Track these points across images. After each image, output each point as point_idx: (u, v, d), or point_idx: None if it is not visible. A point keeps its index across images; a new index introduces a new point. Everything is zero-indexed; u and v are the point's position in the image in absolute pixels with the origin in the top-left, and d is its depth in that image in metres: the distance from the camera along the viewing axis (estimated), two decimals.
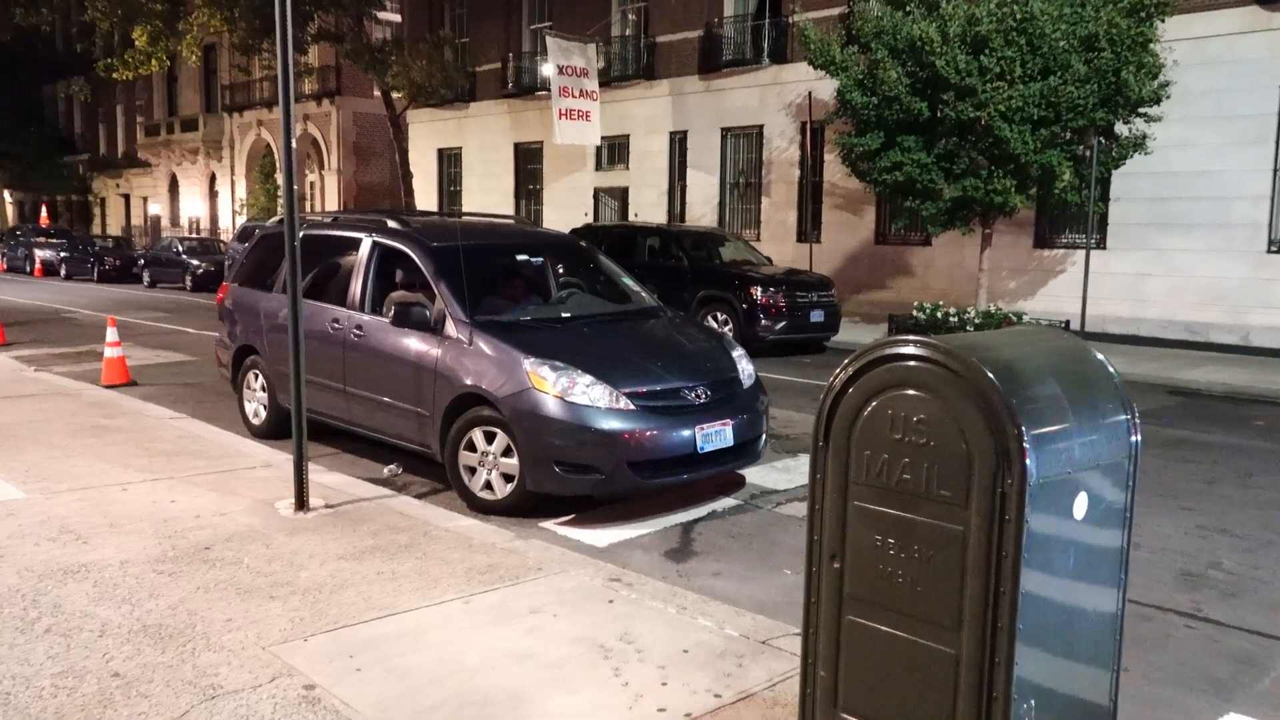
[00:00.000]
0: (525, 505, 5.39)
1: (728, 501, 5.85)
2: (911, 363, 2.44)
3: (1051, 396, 2.43)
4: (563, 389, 5.23)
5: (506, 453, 5.38)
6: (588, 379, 5.30)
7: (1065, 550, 2.43)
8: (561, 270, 7.78)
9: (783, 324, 12.53)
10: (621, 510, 5.61)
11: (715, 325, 12.55)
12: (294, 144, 4.94)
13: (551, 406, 5.21)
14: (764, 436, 5.97)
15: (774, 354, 12.43)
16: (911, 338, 2.47)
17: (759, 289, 12.56)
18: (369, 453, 6.74)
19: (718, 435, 5.51)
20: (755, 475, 6.37)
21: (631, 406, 5.30)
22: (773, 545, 5.10)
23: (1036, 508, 2.30)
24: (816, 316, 12.85)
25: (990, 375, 2.31)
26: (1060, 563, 2.43)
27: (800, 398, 9.10)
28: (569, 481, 5.22)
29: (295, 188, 5.00)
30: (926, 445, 2.41)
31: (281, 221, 5.74)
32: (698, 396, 5.57)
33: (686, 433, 5.38)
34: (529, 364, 5.35)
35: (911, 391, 2.43)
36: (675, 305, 8.73)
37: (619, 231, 15.20)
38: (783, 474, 6.47)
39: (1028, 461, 2.25)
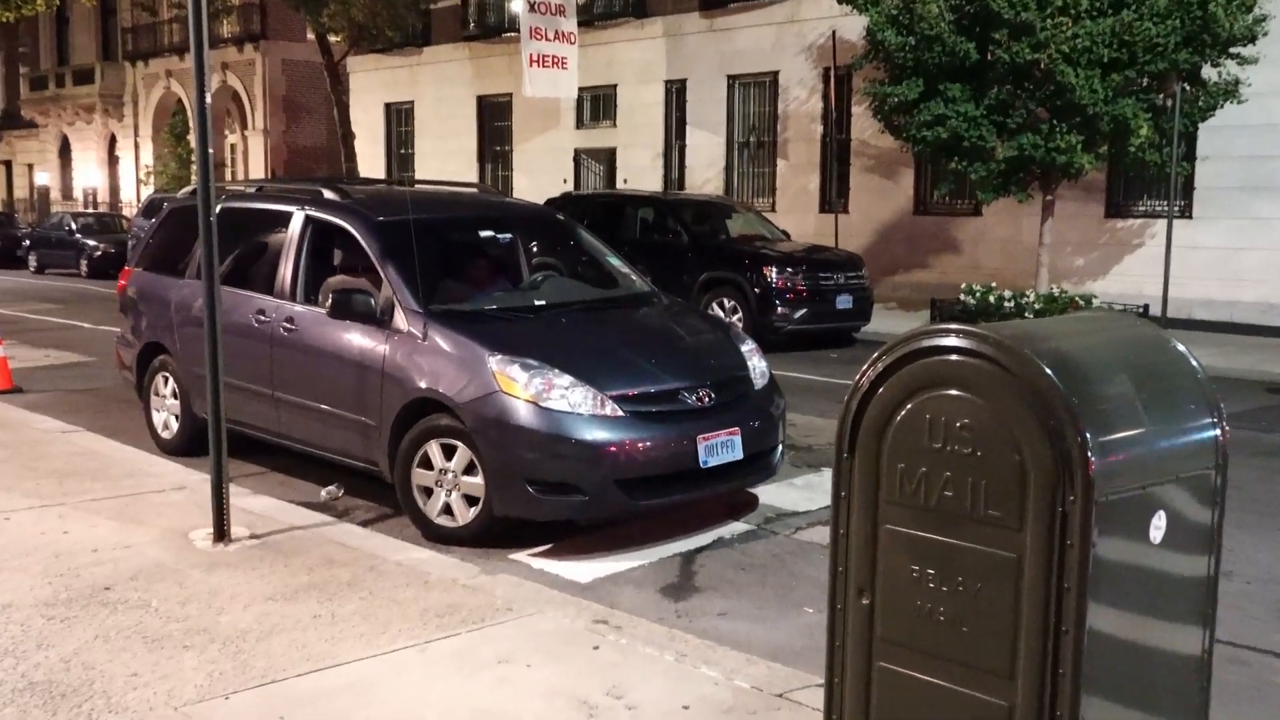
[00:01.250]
0: (492, 533, 5.42)
1: (737, 526, 5.88)
2: (954, 356, 2.44)
3: (1122, 396, 2.44)
4: (536, 392, 5.26)
5: (469, 470, 5.40)
6: (567, 380, 5.32)
7: (1140, 580, 2.44)
8: (535, 249, 7.78)
9: (803, 311, 12.60)
10: (609, 538, 5.63)
11: (721, 314, 12.57)
12: (209, 99, 4.93)
13: (523, 413, 5.23)
14: (780, 447, 6.01)
15: (793, 348, 12.45)
16: (955, 326, 2.47)
17: (774, 270, 12.62)
18: (303, 471, 6.74)
19: (724, 446, 5.54)
20: (770, 494, 6.39)
21: (620, 413, 5.32)
22: (791, 578, 5.13)
23: (1104, 530, 2.29)
24: (843, 302, 12.92)
25: (1048, 371, 2.32)
26: (1134, 596, 2.43)
27: (824, 400, 9.16)
28: (545, 504, 5.26)
29: (212, 151, 5.00)
30: (972, 456, 2.41)
31: (195, 193, 5.74)
32: (700, 400, 5.60)
33: (687, 443, 5.41)
34: (495, 362, 5.37)
35: (954, 391, 2.44)
36: (673, 290, 8.74)
37: (605, 201, 15.25)
38: (803, 492, 6.50)
39: (1093, 474, 2.26)
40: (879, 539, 2.59)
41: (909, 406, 2.51)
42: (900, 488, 2.53)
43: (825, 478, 6.73)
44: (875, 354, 2.59)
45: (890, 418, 2.54)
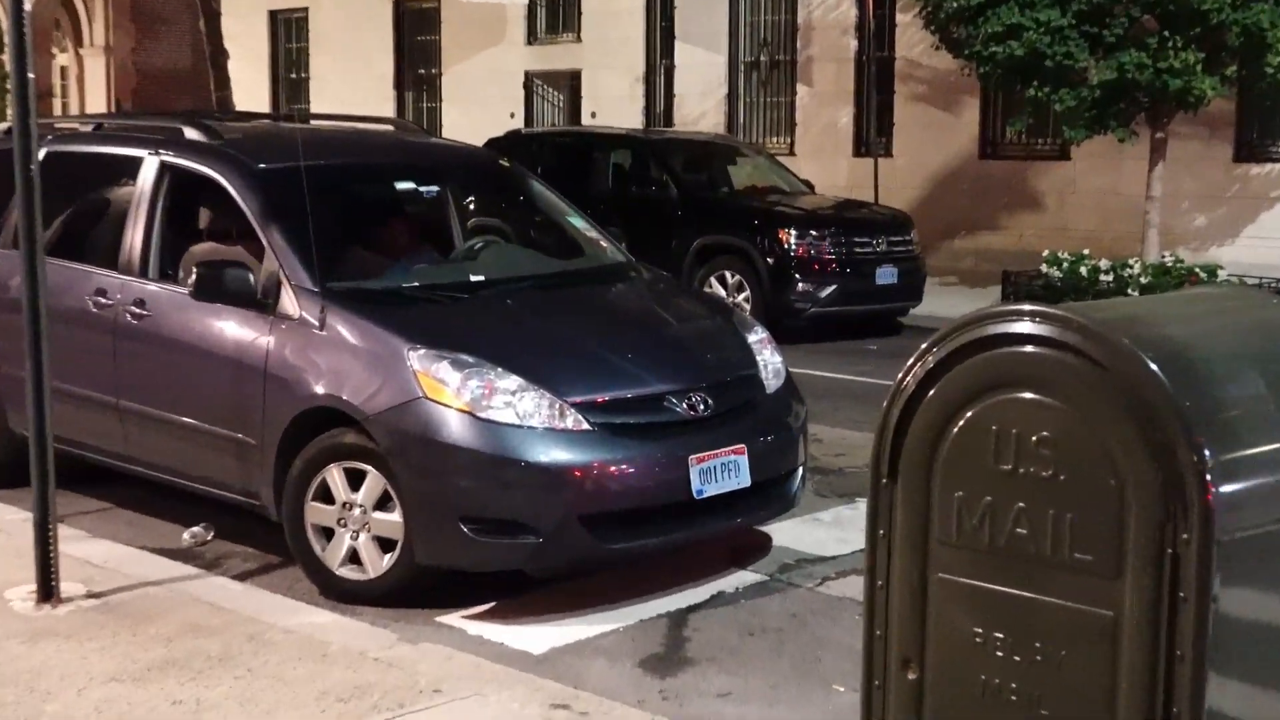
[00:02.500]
0: (415, 588, 5.43)
1: (743, 577, 5.90)
2: (1030, 347, 2.44)
3: (1254, 400, 2.45)
4: (473, 399, 5.28)
5: (383, 504, 5.41)
6: (514, 382, 5.35)
7: (1277, 646, 2.45)
8: (471, 206, 7.81)
9: (831, 289, 12.64)
10: (571, 594, 5.64)
11: (722, 292, 12.62)
12: (29, 3, 4.89)
13: (455, 427, 5.24)
14: (800, 471, 6.07)
15: (818, 337, 12.47)
16: (1031, 307, 2.47)
17: (792, 233, 12.66)
18: (160, 507, 6.72)
19: (726, 470, 5.57)
20: (788, 533, 6.42)
21: (586, 425, 5.36)
22: (815, 646, 5.14)
23: (1229, 578, 2.28)
24: (886, 276, 12.96)
25: (1155, 367, 2.32)
26: (1269, 667, 2.45)
27: (860, 407, 9.19)
28: (485, 549, 5.30)
29: (33, 77, 4.95)
30: (1053, 481, 2.41)
31: (9, 132, 5.69)
32: (693, 408, 5.63)
33: (675, 466, 5.45)
34: (418, 359, 5.38)
35: (1029, 395, 2.44)
36: (658, 261, 8.72)
37: (566, 142, 15.30)
38: (831, 531, 6.54)
39: (1213, 504, 2.25)
40: (930, 592, 2.60)
41: (969, 415, 2.52)
42: (958, 524, 2.54)
43: (860, 511, 6.72)
44: (925, 344, 2.60)
45: (944, 430, 2.55)
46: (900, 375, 2.63)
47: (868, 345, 12.48)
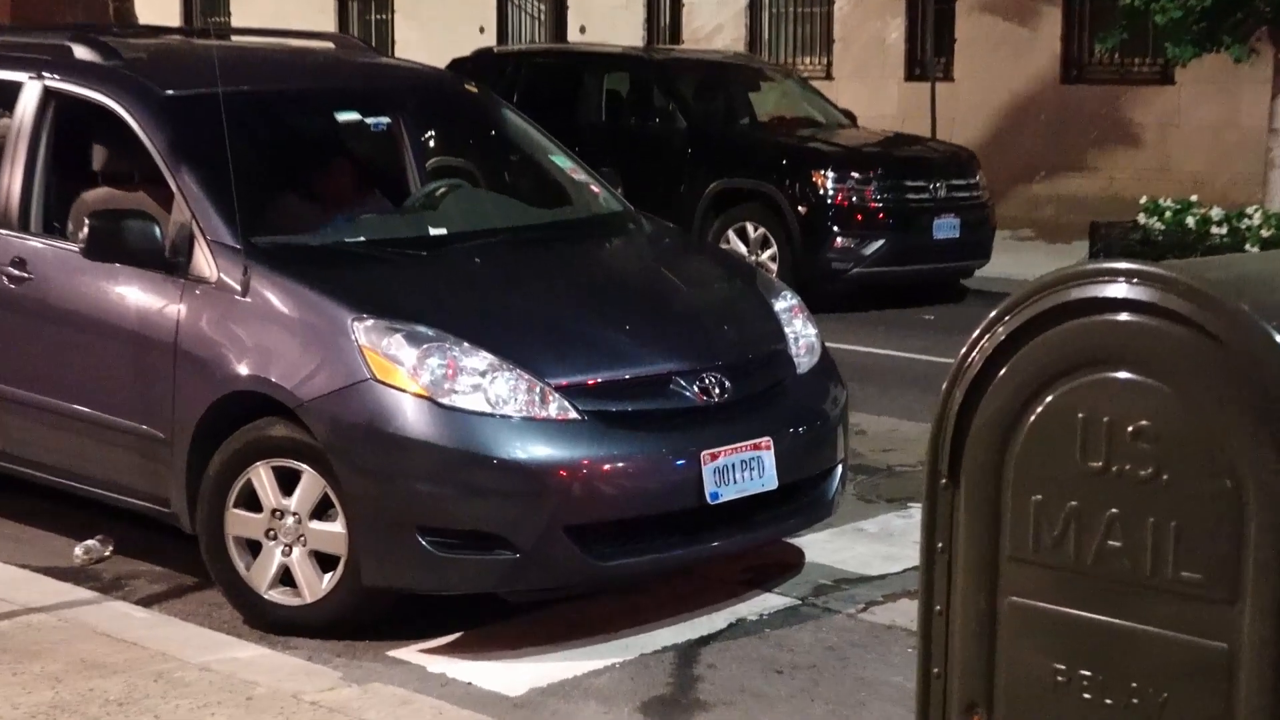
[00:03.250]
0: (362, 616, 5.45)
1: (769, 601, 5.91)
2: (1124, 315, 2.44)
3: None
4: (434, 381, 5.29)
5: (322, 511, 5.41)
6: (483, 359, 5.37)
7: None
8: (432, 143, 7.76)
9: (878, 245, 12.67)
10: (557, 622, 5.65)
11: (743, 249, 12.62)
12: None
13: (411, 417, 5.24)
14: (839, 470, 6.08)
15: (862, 305, 12.48)
16: (1125, 265, 2.46)
17: (830, 175, 12.67)
18: (47, 517, 6.70)
19: (747, 469, 5.57)
20: (823, 548, 6.43)
21: (572, 413, 5.37)
22: (857, 688, 5.14)
23: None
24: (945, 228, 12.98)
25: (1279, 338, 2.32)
26: None
27: (914, 392, 9.17)
28: (449, 568, 5.32)
29: None
30: (1155, 481, 2.39)
31: None
32: (706, 392, 5.64)
33: (684, 465, 5.47)
34: (364, 331, 5.38)
35: (1125, 374, 2.42)
36: (664, 210, 8.71)
37: (549, 64, 15.30)
38: (878, 545, 6.54)
39: None
40: (1000, 621, 2.59)
41: (1049, 400, 2.50)
42: (1035, 536, 2.53)
43: (913, 520, 6.73)
44: (995, 313, 2.58)
45: (1018, 420, 2.54)
46: (963, 351, 2.61)
47: (923, 315, 12.48)
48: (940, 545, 2.66)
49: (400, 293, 5.75)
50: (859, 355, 9.87)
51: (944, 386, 2.63)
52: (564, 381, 5.40)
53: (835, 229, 12.56)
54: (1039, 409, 2.52)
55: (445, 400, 5.25)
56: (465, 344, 5.37)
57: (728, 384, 5.68)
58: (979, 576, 2.61)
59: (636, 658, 5.35)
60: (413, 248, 6.22)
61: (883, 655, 5.39)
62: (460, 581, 5.34)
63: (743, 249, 12.60)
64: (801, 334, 6.20)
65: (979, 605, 2.61)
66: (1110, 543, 2.45)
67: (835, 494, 6.05)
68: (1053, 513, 2.51)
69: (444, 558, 5.24)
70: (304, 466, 5.40)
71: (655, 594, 5.86)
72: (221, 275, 5.68)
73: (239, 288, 5.63)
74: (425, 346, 5.33)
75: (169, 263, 5.81)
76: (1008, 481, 2.56)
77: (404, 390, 5.26)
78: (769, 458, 5.62)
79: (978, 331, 2.60)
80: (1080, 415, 2.47)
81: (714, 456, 5.48)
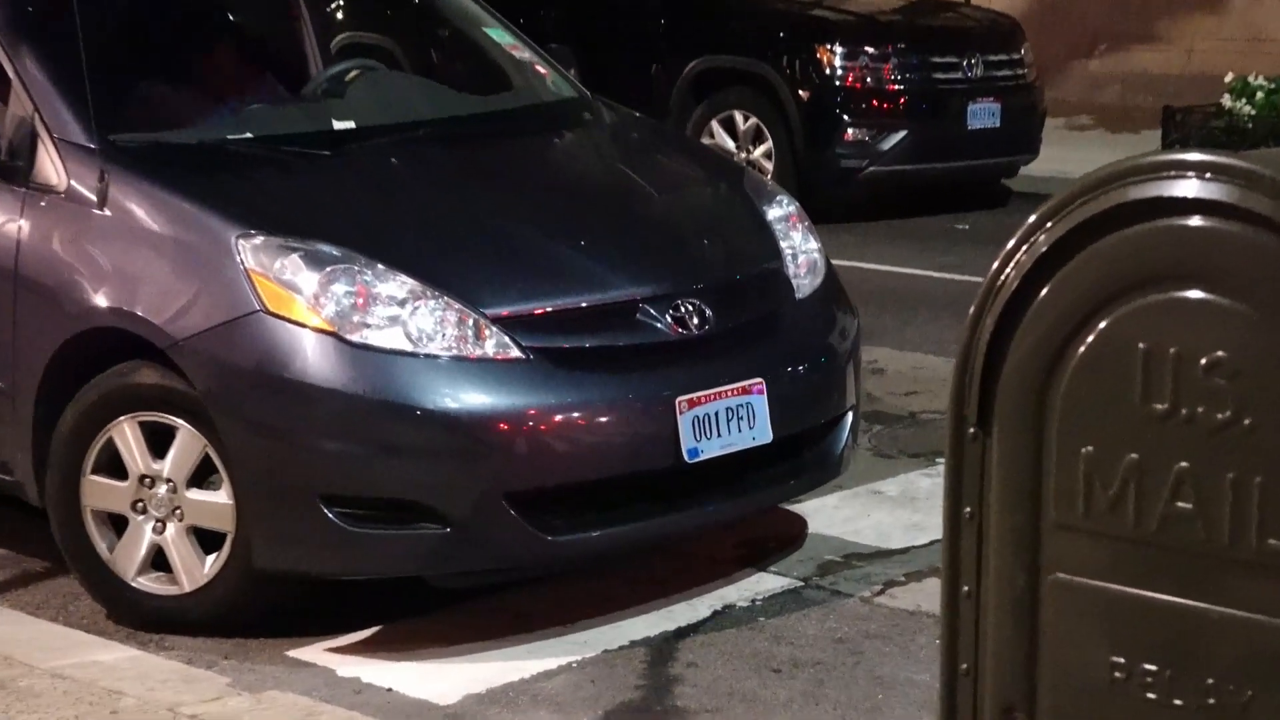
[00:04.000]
0: (255, 607, 5.47)
1: (764, 583, 5.94)
2: (1196, 219, 2.42)
3: None
4: (340, 312, 5.30)
5: (202, 478, 5.41)
6: (403, 284, 5.39)
7: None
8: (339, 14, 7.69)
9: (899, 138, 12.74)
10: (499, 613, 5.68)
11: (730, 145, 12.67)
12: None
13: (312, 358, 5.24)
14: (850, 418, 6.08)
15: (878, 212, 12.55)
16: (1199, 156, 2.45)
17: (838, 50, 12.71)
18: None
19: (734, 419, 5.58)
20: (831, 516, 6.48)
21: (515, 351, 5.38)
22: (873, 687, 5.16)
23: None
24: (983, 116, 13.06)
25: None
26: None
27: (944, 318, 9.21)
28: (363, 547, 5.36)
29: None
30: (1233, 427, 2.39)
31: None
32: (681, 323, 5.64)
33: (654, 413, 5.48)
34: (253, 251, 5.37)
35: (1197, 294, 2.41)
36: (631, 97, 8.67)
37: None
38: (899, 511, 6.59)
39: None
40: (1043, 603, 2.59)
41: (1103, 327, 2.49)
42: (1086, 498, 2.53)
43: (938, 479, 6.76)
44: (1035, 217, 2.57)
45: (1064, 352, 2.53)
46: (995, 267, 2.59)
47: (956, 224, 12.54)
48: (968, 511, 2.65)
49: (298, 202, 5.76)
50: (875, 275, 9.89)
51: (971, 312, 2.61)
52: (504, 311, 5.39)
53: (845, 118, 12.58)
54: (1090, 339, 2.51)
55: (354, 336, 5.23)
56: (379, 265, 5.35)
57: (709, 313, 5.66)
58: (1016, 549, 2.61)
59: (599, 655, 5.36)
60: (314, 146, 6.19)
61: (904, 648, 5.39)
62: (377, 563, 5.36)
63: (730, 145, 12.64)
64: (801, 249, 6.19)
65: (1016, 585, 2.61)
66: (1179, 504, 2.45)
67: (845, 449, 6.06)
68: (1107, 469, 2.50)
69: (356, 533, 5.24)
70: (179, 422, 5.38)
71: (622, 576, 5.88)
72: (72, 183, 5.65)
73: (95, 198, 5.61)
74: (329, 269, 5.31)
75: (5, 167, 5.78)
76: (1051, 430, 2.55)
77: (303, 324, 5.24)
78: (761, 404, 5.62)
79: (1013, 242, 2.58)
80: (1141, 346, 2.46)
81: (692, 404, 5.47)
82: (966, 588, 2.66)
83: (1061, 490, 2.56)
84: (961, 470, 2.65)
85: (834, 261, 6.38)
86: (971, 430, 2.63)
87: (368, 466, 5.27)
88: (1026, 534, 2.60)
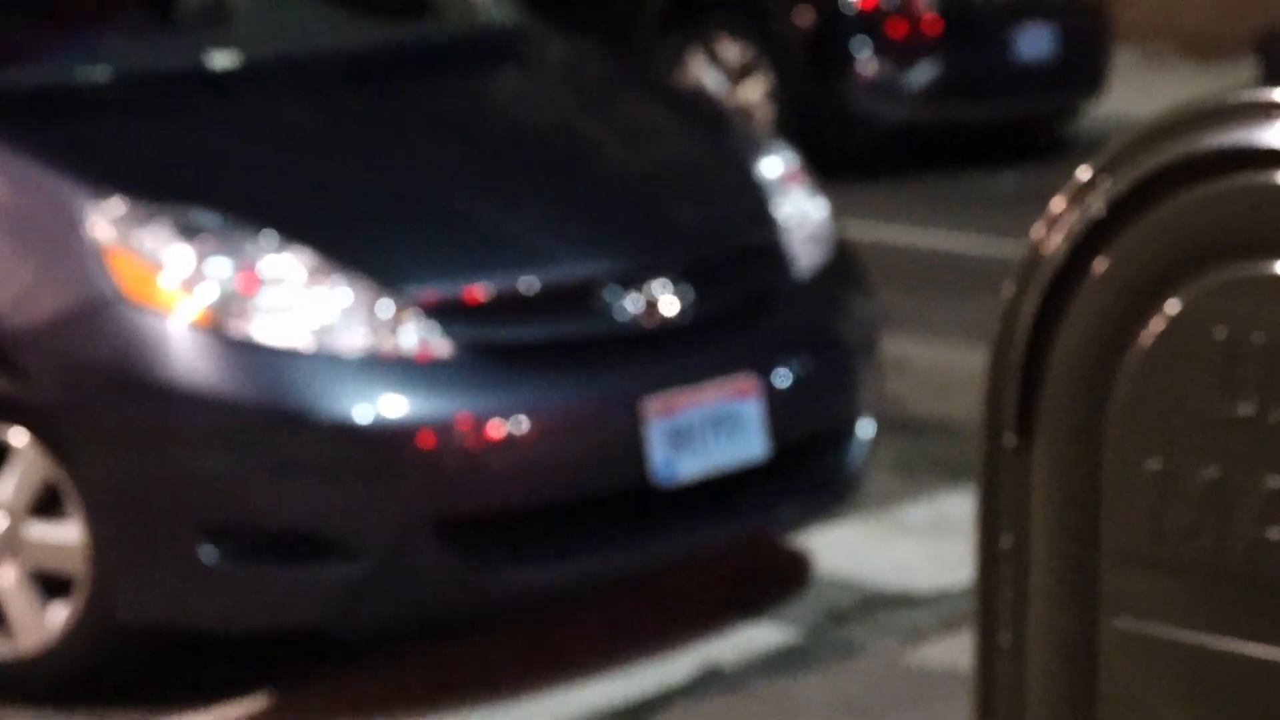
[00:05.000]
0: (113, 669, 5.46)
1: (759, 636, 5.94)
2: None
3: None
4: (221, 298, 5.31)
5: (48, 507, 5.39)
6: (299, 261, 5.37)
7: None
8: None
9: (929, 72, 12.87)
10: (423, 674, 5.67)
11: (714, 82, 12.71)
12: None
13: (185, 357, 5.24)
14: (865, 426, 6.08)
15: (905, 167, 12.68)
16: None
17: None
18: None
19: (718, 427, 5.59)
20: (842, 549, 6.48)
21: (441, 346, 5.38)
22: None
23: None
24: (1034, 44, 13.18)
25: None
26: None
27: (985, 299, 9.02)
28: (249, 590, 5.36)
29: None
30: None
31: None
32: (649, 308, 5.63)
33: (616, 421, 5.49)
34: (107, 219, 5.36)
35: None
36: (593, 24, 8.69)
37: None
38: (928, 542, 6.60)
39: None
40: (1102, 656, 2.59)
41: (1173, 310, 2.48)
42: (1153, 523, 2.53)
43: (970, 502, 6.78)
44: (1087, 171, 2.54)
45: (1125, 342, 2.52)
46: (1038, 233, 2.57)
47: (1001, 180, 12.63)
48: (1007, 540, 2.65)
49: (165, 157, 5.76)
50: (898, 247, 9.91)
51: (1008, 291, 2.61)
52: (428, 295, 5.40)
53: (860, 48, 12.65)
54: (1157, 325, 2.51)
55: (238, 329, 5.23)
56: (269, 237, 5.35)
57: (686, 294, 5.67)
58: (1068, 588, 2.60)
59: None
60: (186, 86, 6.18)
61: (937, 716, 5.43)
62: (268, 612, 5.36)
63: (714, 81, 12.68)
64: (803, 214, 6.20)
65: (1068, 633, 2.60)
66: (1270, 531, 2.47)
67: (859, 465, 6.07)
68: (1181, 487, 2.49)
69: (242, 575, 5.26)
70: (17, 437, 5.37)
71: (578, 627, 5.89)
72: None
73: None
74: (204, 242, 5.30)
75: None
76: (1109, 439, 2.54)
77: (172, 314, 5.24)
78: (753, 409, 5.63)
79: (1060, 202, 2.56)
80: (1221, 333, 2.47)
81: (665, 409, 5.49)
82: (1004, 638, 2.65)
83: (1123, 514, 2.53)
84: (997, 490, 2.64)
85: (845, 230, 6.39)
86: (1010, 440, 2.64)
87: (256, 491, 5.26)
88: (1080, 569, 2.58)
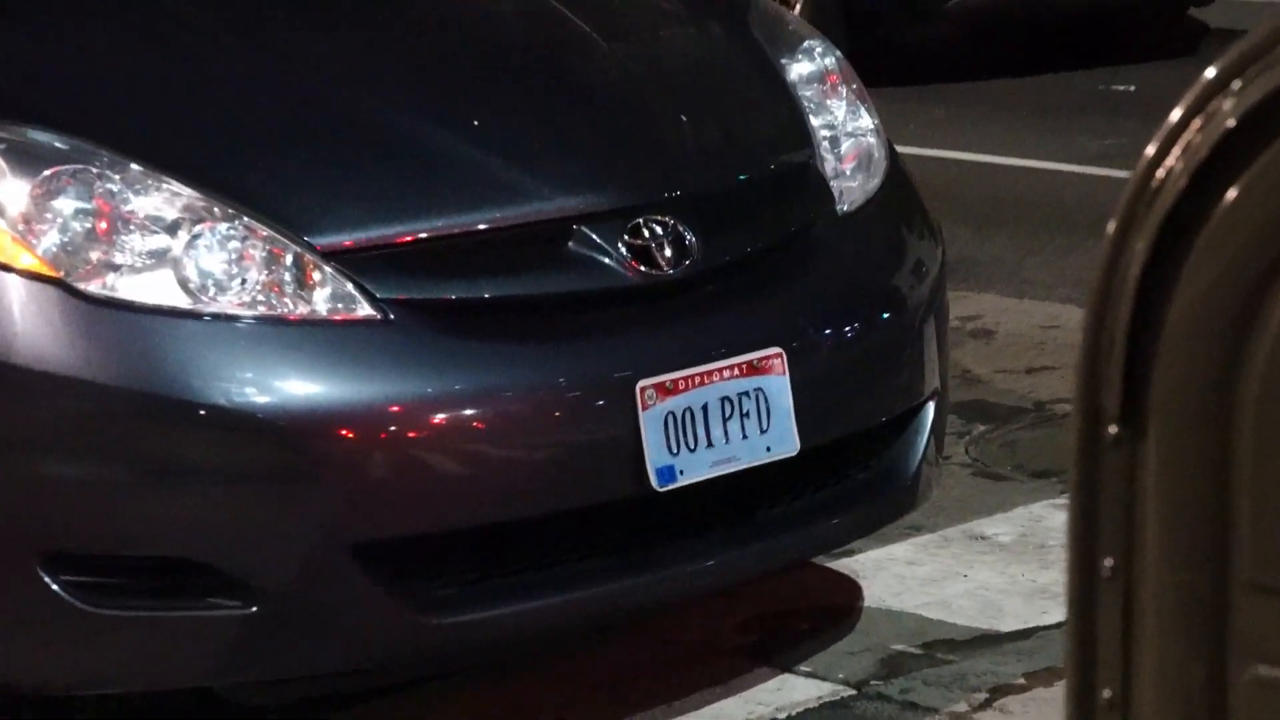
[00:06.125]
0: None
1: (791, 689, 5.93)
2: None
3: None
4: (67, 244, 5.33)
5: None
6: (173, 196, 5.41)
7: None
8: None
9: None
10: None
11: None
12: None
13: (23, 321, 5.24)
14: (929, 413, 6.07)
15: (980, 69, 12.84)
16: None
17: None
18: None
19: (734, 415, 5.56)
20: (898, 576, 6.50)
21: (365, 308, 5.38)
22: None
23: None
24: None
25: None
26: None
27: (1091, 243, 9.23)
28: (110, 637, 5.37)
29: None
30: None
31: None
32: (643, 255, 5.63)
33: (604, 409, 5.49)
34: None
35: None
36: None
37: None
38: (1015, 565, 6.59)
39: None
40: (1233, 711, 2.55)
41: None
42: None
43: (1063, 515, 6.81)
44: (1212, 73, 2.52)
45: (1261, 300, 2.48)
46: (1151, 154, 2.53)
47: (1114, 84, 12.73)
48: (1108, 564, 2.60)
49: (3, 64, 5.73)
50: (974, 172, 9.97)
51: (1109, 233, 2.59)
52: (345, 241, 5.41)
53: None
54: None
55: (93, 285, 5.23)
56: (133, 166, 5.33)
57: (690, 239, 5.66)
58: (1188, 626, 2.59)
59: None
60: None
61: None
62: (134, 666, 5.34)
63: None
64: (846, 130, 6.22)
65: (1189, 683, 2.58)
66: None
67: (923, 464, 6.05)
68: None
69: (100, 616, 5.22)
70: None
71: (554, 678, 5.90)
72: None
73: None
74: (49, 173, 5.29)
75: None
76: (1243, 431, 2.51)
77: (7, 266, 5.23)
78: (781, 391, 5.61)
79: (1179, 113, 2.50)
80: None
81: (666, 391, 5.47)
82: (1108, 691, 2.61)
83: (1261, 530, 2.54)
84: (1096, 497, 2.59)
85: (903, 150, 6.38)
86: (1112, 431, 2.58)
87: (118, 505, 5.23)
88: (1205, 601, 2.55)
